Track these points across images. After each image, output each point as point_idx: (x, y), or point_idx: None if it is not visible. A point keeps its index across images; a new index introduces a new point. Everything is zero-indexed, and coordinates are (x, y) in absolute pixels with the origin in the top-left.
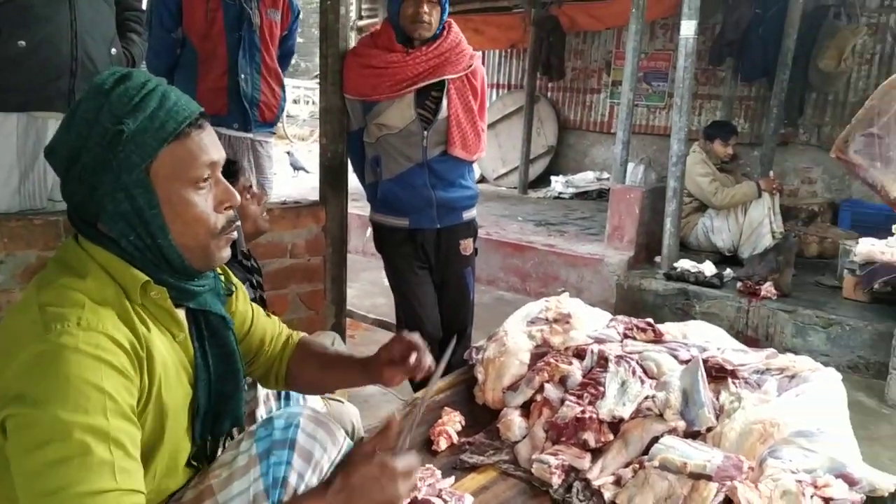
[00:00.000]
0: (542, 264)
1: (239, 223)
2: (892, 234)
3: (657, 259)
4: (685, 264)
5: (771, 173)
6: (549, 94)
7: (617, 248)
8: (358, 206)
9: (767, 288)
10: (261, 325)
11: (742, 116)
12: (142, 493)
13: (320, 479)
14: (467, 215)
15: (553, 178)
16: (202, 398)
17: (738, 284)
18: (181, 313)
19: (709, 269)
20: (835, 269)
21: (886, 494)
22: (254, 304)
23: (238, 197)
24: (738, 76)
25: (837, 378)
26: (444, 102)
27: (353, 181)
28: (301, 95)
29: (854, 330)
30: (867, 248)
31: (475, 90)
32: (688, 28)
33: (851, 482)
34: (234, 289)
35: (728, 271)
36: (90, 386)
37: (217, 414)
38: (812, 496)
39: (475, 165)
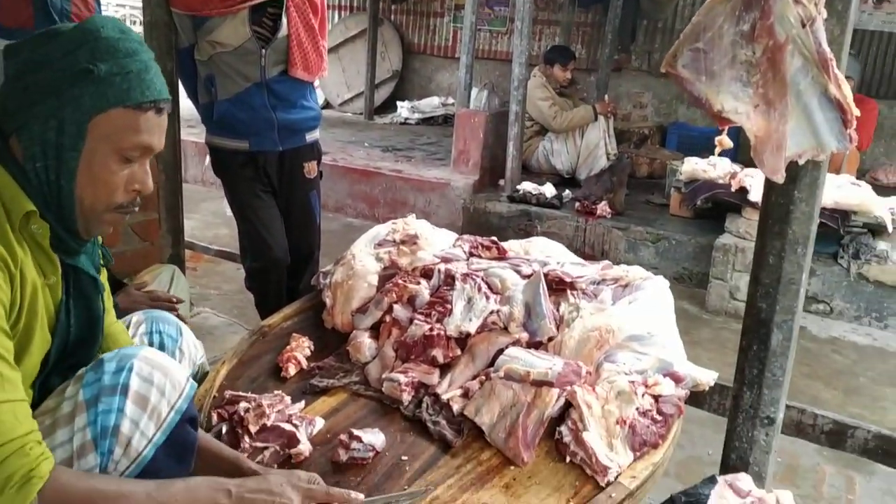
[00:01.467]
0: (390, 190)
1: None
2: (712, 154)
3: (501, 182)
4: (527, 186)
5: (606, 98)
6: (392, 17)
7: (462, 173)
8: (194, 132)
9: (603, 207)
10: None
11: (579, 42)
12: (28, 401)
13: (159, 425)
14: (310, 137)
15: (399, 103)
16: (54, 353)
17: (576, 204)
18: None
19: (549, 190)
20: (663, 188)
21: (707, 388)
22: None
23: (150, 189)
24: (576, 2)
25: (666, 285)
26: (284, 20)
27: (187, 104)
28: (127, 14)
29: (679, 243)
30: (691, 167)
31: (315, 7)
32: None
33: (678, 380)
34: (108, 265)
35: (567, 192)
36: None
37: (64, 373)
38: (643, 394)
39: (319, 90)
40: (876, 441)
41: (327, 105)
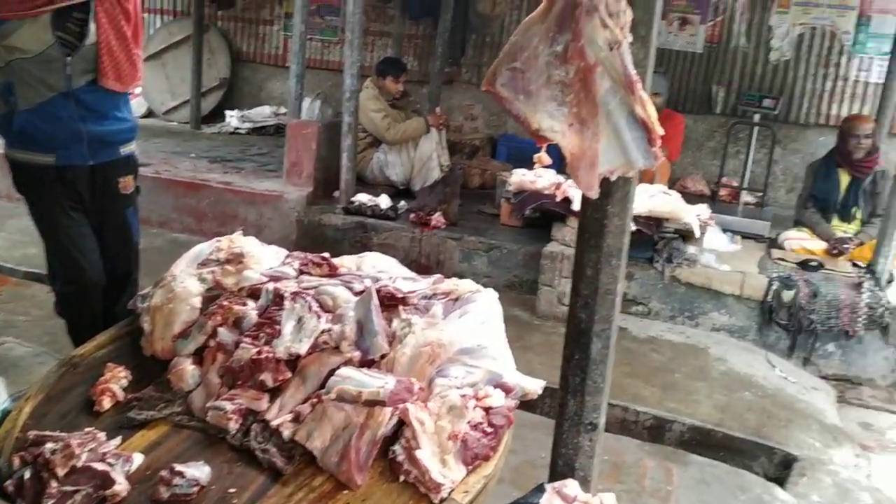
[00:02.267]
0: (219, 203)
1: None
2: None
3: (336, 194)
4: (362, 198)
5: (438, 109)
6: (219, 23)
7: (296, 185)
8: None
9: (437, 218)
10: None
11: (411, 54)
12: None
13: None
14: (125, 150)
15: (228, 112)
16: None
17: (411, 216)
18: None
19: (384, 202)
20: (494, 199)
21: (536, 397)
22: None
23: None
24: (407, 14)
25: (495, 297)
26: (92, 27)
27: None
28: None
29: (510, 252)
30: (519, 178)
31: (127, 13)
32: None
33: (507, 390)
34: None
35: (402, 203)
36: None
37: None
38: (475, 407)
39: (141, 98)
40: (690, 433)
41: (150, 113)
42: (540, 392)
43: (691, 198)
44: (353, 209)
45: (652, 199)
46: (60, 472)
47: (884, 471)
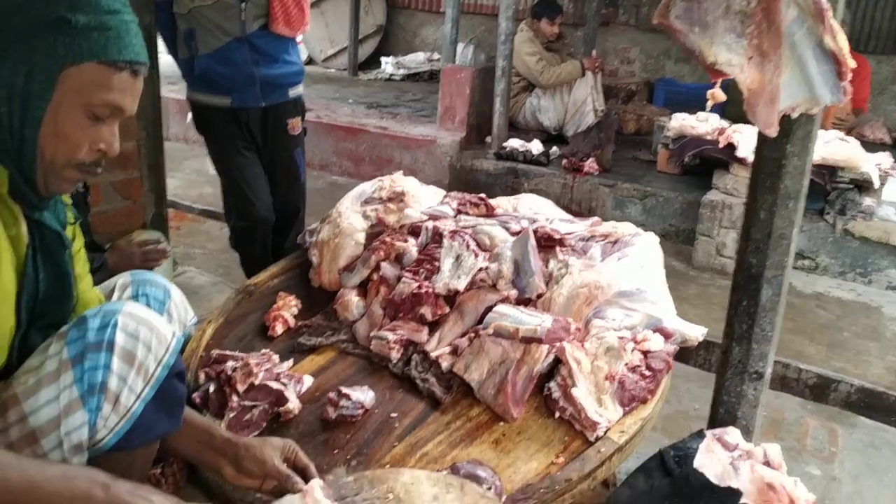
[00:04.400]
0: (375, 147)
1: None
2: (701, 110)
3: (488, 139)
4: (514, 143)
5: (593, 52)
6: None
7: (449, 129)
8: (175, 89)
9: (590, 164)
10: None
11: None
12: None
13: (147, 381)
14: (293, 92)
15: (383, 59)
16: (25, 308)
17: (563, 161)
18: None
19: (536, 147)
20: (650, 145)
21: (695, 344)
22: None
23: (116, 151)
24: None
25: (655, 241)
26: None
27: (168, 60)
28: None
29: (666, 200)
30: (679, 123)
31: None
32: None
33: (667, 335)
34: (75, 222)
35: (554, 149)
36: None
37: (45, 331)
38: (632, 350)
39: (302, 46)
40: (858, 394)
41: (310, 61)
42: (701, 339)
43: (870, 146)
44: (505, 154)
45: (827, 146)
46: (240, 387)
47: None
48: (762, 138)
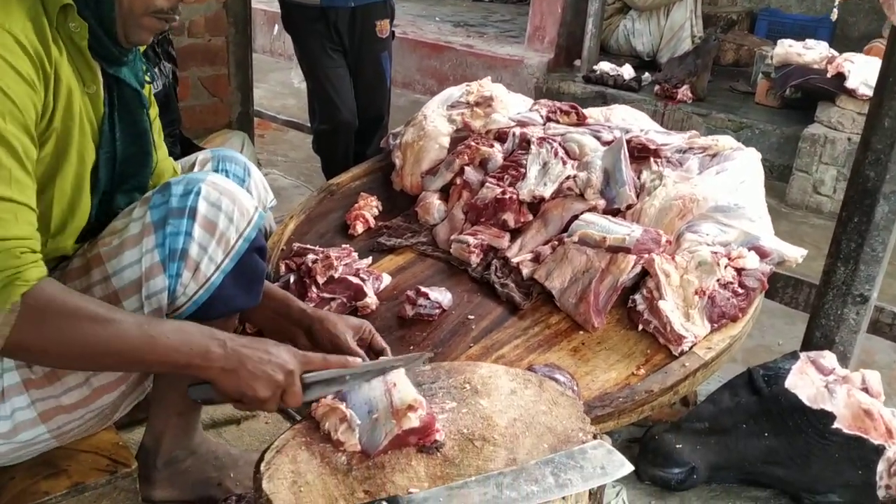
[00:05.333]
0: (460, 66)
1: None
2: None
3: (577, 62)
4: (604, 67)
5: None
6: None
7: (537, 50)
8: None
9: (684, 91)
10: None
11: None
12: (35, 212)
13: (227, 252)
14: None
15: None
16: (104, 169)
17: (656, 87)
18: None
19: (628, 72)
20: (748, 77)
21: (794, 265)
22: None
23: None
24: None
25: (757, 157)
26: None
27: None
28: None
29: (763, 133)
30: (784, 49)
31: None
32: None
33: (763, 254)
34: (153, 81)
35: (646, 75)
36: None
37: (128, 194)
38: (726, 266)
39: None
40: None
41: None
42: (800, 260)
43: None
44: (595, 78)
45: None
46: (320, 279)
47: None
48: (894, 36)
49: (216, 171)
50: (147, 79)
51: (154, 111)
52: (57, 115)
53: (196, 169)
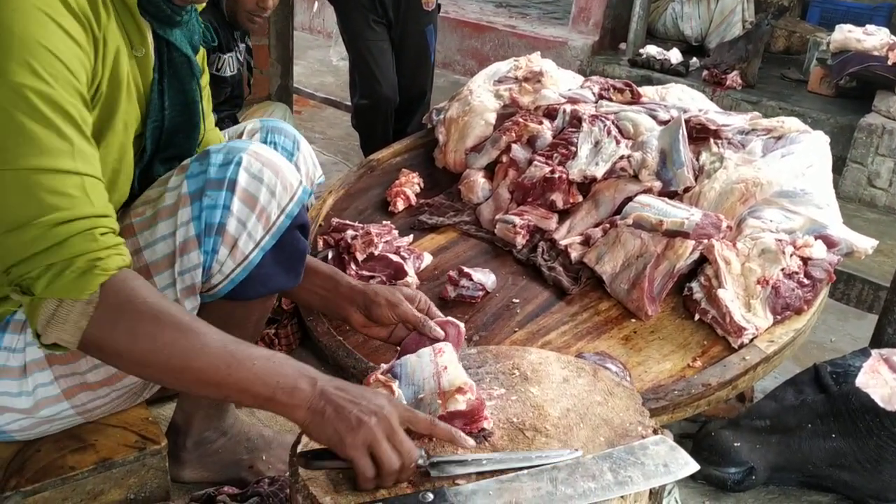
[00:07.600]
0: (502, 46)
1: None
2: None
3: (622, 46)
4: (651, 51)
5: None
6: None
7: (581, 32)
8: None
9: (733, 77)
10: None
11: None
12: (104, 182)
13: (267, 229)
14: None
15: None
16: (150, 138)
17: (704, 73)
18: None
19: (675, 56)
20: (801, 64)
21: (864, 256)
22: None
23: None
24: None
25: (825, 141)
26: None
27: None
28: None
29: (816, 122)
30: (843, 35)
31: None
32: None
33: (831, 244)
34: (209, 46)
35: (694, 60)
36: (41, 47)
37: (168, 163)
38: (791, 255)
39: None
40: None
41: None
42: (870, 251)
43: None
44: (641, 62)
45: None
46: (360, 256)
47: None
48: None
49: (264, 142)
50: (204, 43)
51: (205, 79)
52: (104, 81)
53: (244, 139)
